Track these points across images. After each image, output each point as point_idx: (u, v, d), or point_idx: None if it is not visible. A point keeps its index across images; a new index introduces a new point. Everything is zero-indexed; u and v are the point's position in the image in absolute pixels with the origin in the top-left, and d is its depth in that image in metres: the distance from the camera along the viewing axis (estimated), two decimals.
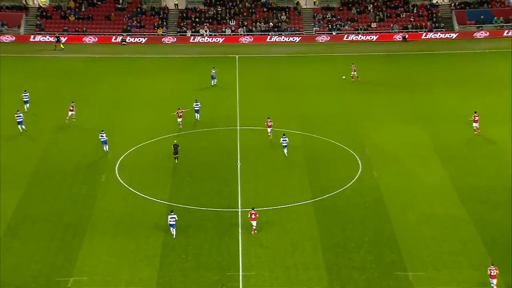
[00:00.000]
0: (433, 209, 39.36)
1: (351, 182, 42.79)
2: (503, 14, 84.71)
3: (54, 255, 34.87)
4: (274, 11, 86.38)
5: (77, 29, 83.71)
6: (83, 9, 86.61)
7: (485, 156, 46.56)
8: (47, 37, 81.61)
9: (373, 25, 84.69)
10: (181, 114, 51.57)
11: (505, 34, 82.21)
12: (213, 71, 63.19)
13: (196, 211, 39.35)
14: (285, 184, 42.61)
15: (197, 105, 53.86)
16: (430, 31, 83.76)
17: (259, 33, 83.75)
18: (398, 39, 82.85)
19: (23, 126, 50.65)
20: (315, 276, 33.07)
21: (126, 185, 42.60)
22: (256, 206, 39.60)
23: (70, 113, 53.21)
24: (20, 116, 51.34)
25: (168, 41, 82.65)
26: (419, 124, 52.74)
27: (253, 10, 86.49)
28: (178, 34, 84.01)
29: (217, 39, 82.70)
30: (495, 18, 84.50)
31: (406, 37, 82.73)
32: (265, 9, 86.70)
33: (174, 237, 36.25)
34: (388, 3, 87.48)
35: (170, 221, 36.46)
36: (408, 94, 60.88)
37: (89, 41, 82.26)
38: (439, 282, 32.60)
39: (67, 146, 48.89)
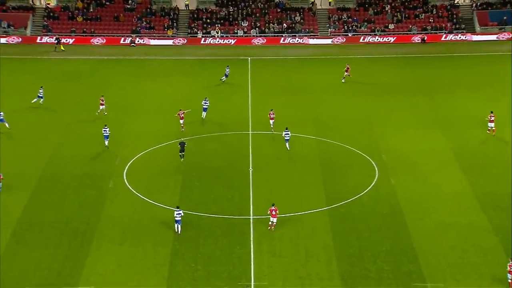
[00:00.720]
0: (452, 218, 39.20)
1: (367, 189, 42.73)
2: None
3: (61, 262, 35.09)
4: (288, 12, 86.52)
5: (85, 30, 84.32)
6: (91, 10, 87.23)
7: (507, 163, 46.29)
8: (54, 38, 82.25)
9: (391, 26, 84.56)
10: (182, 115, 51.88)
11: None
12: (227, 70, 64.18)
13: (206, 218, 39.45)
14: (299, 190, 42.62)
15: (205, 103, 54.39)
16: (450, 32, 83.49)
17: (272, 34, 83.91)
18: (416, 41, 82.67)
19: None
20: (329, 286, 33.03)
21: (134, 191, 42.81)
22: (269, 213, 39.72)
23: (101, 107, 55.32)
24: None
25: (178, 43, 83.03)
26: (438, 129, 52.58)
27: (266, 11, 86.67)
28: (189, 35, 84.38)
29: (229, 41, 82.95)
30: None
31: (425, 38, 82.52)
32: (278, 10, 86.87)
33: (178, 233, 36.82)
34: (406, 3, 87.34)
35: (176, 216, 37.23)
36: (427, 98, 60.73)
37: (97, 42, 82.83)
38: None
39: (74, 150, 49.21)
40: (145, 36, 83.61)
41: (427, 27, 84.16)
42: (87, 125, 54.22)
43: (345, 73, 64.37)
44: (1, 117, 52.33)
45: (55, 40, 79.96)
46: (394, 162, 46.58)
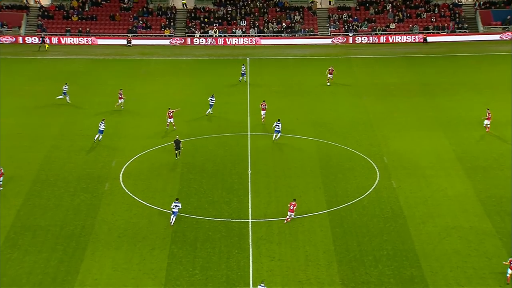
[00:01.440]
0: (455, 222, 39.18)
1: (368, 192, 42.70)
2: None
3: (55, 267, 35.02)
4: (287, 11, 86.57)
5: (80, 29, 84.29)
6: (87, 9, 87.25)
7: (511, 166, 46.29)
8: (47, 38, 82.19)
9: (392, 25, 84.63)
10: (171, 114, 52.28)
11: None
12: (243, 68, 64.94)
13: (204, 221, 39.40)
14: (299, 193, 42.58)
15: (212, 99, 55.77)
16: (453, 32, 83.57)
17: (272, 34, 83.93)
18: (418, 41, 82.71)
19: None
20: None
21: (131, 194, 42.75)
22: (268, 216, 39.72)
23: (120, 100, 57.27)
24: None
25: (175, 43, 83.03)
26: (441, 131, 52.58)
27: (265, 10, 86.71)
28: (186, 35, 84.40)
29: (227, 40, 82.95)
30: None
31: (427, 38, 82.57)
32: (277, 9, 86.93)
33: (171, 224, 38.09)
34: (408, 2, 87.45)
35: (173, 208, 38.43)
36: (429, 99, 60.74)
37: (92, 42, 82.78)
38: None
39: (68, 153, 49.14)
40: (141, 35, 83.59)
41: (429, 27, 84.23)
42: (82, 127, 54.16)
43: (329, 75, 64.04)
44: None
45: (39, 40, 79.95)
46: (396, 164, 46.56)
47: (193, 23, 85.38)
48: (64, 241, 37.34)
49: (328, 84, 63.94)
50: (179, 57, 77.40)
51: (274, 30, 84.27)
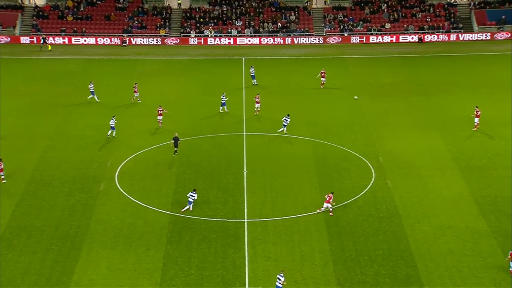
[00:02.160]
0: (451, 221, 39.25)
1: (364, 192, 42.75)
2: None
3: (50, 267, 34.94)
4: (283, 11, 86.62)
5: (75, 29, 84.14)
6: (82, 9, 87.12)
7: (506, 166, 46.39)
8: (41, 37, 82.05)
9: (387, 25, 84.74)
10: (161, 112, 53.02)
11: None
12: (252, 70, 64.63)
13: (200, 221, 39.38)
14: (294, 193, 42.59)
15: (223, 97, 56.41)
16: (448, 32, 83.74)
17: (267, 34, 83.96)
18: (413, 41, 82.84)
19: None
20: None
21: (126, 194, 42.69)
22: (263, 216, 39.71)
23: (135, 94, 59.01)
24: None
25: (171, 42, 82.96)
26: (436, 131, 52.68)
27: (261, 10, 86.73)
28: (182, 35, 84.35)
29: (222, 40, 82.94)
30: None
31: (422, 38, 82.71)
32: (273, 9, 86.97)
33: (190, 209, 39.80)
34: (403, 2, 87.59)
35: (189, 197, 40.02)
36: (424, 98, 60.85)
37: (88, 42, 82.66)
38: None
39: (64, 153, 49.05)
40: (137, 35, 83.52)
41: (424, 27, 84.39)
42: (77, 127, 54.08)
43: (322, 79, 64.00)
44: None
45: (41, 40, 79.84)
46: (391, 164, 46.62)
47: (188, 23, 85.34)
48: (59, 241, 37.26)
49: (322, 87, 63.84)
50: (174, 57, 77.34)
51: (270, 30, 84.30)
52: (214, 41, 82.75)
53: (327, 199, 39.91)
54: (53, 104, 59.50)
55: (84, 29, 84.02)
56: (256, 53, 78.17)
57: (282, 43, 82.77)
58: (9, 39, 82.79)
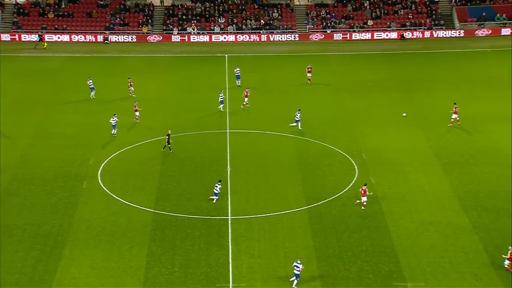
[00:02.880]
0: (433, 217, 39.54)
1: (347, 189, 42.92)
2: (505, 11, 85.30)
3: (33, 266, 34.72)
4: (266, 8, 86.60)
5: (56, 26, 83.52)
6: (63, 6, 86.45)
7: (487, 161, 46.83)
8: (24, 35, 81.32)
9: (370, 22, 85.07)
10: (136, 108, 53.32)
11: (503, 33, 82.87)
12: (237, 70, 63.63)
13: (184, 219, 39.33)
14: (278, 190, 42.67)
15: (221, 96, 56.35)
16: (430, 28, 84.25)
17: (250, 31, 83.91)
18: (395, 37, 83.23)
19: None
20: (309, 287, 33.11)
21: (109, 192, 42.51)
22: (247, 213, 39.75)
23: (131, 88, 59.49)
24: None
25: (153, 40, 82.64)
26: (418, 128, 53.00)
27: (243, 7, 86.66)
28: (164, 32, 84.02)
29: (205, 38, 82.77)
30: (498, 15, 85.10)
31: (404, 35, 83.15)
32: (256, 6, 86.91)
33: (214, 202, 40.38)
34: None
35: (215, 189, 40.57)
36: (407, 95, 61.18)
37: (69, 39, 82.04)
38: None
39: (45, 151, 48.72)
40: (119, 33, 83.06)
41: (406, 23, 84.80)
42: (59, 125, 53.72)
43: (308, 74, 64.24)
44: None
45: (37, 37, 79.15)
46: (374, 161, 46.85)
47: (171, 20, 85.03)
48: (41, 240, 37.03)
49: (309, 82, 64.04)
50: (157, 54, 77.04)
51: (253, 27, 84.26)
52: (197, 38, 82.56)
53: (362, 192, 40.16)
54: (34, 102, 59.02)
55: (65, 26, 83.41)
56: (239, 51, 78.10)
57: (265, 40, 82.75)
58: None
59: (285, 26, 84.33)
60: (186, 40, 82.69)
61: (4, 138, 50.89)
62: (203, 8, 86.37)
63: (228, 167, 46.01)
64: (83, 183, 43.67)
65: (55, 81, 65.51)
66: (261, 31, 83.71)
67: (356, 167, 45.81)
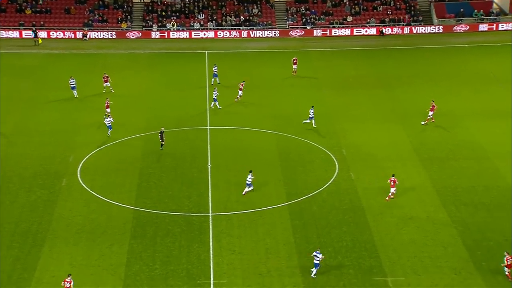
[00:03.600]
0: (413, 212, 39.85)
1: (327, 184, 43.09)
2: (483, 7, 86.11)
3: (11, 264, 34.44)
4: (245, 4, 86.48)
5: (34, 23, 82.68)
6: (41, 2, 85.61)
7: (466, 156, 47.29)
8: (1, 32, 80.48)
9: (349, 18, 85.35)
10: (108, 104, 52.92)
11: (480, 29, 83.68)
12: (215, 68, 62.96)
13: (164, 216, 39.23)
14: (259, 186, 42.71)
15: (215, 93, 56.04)
16: (408, 24, 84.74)
17: (230, 27, 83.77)
18: (375, 34, 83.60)
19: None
20: (290, 283, 33.24)
21: (89, 190, 42.27)
22: (228, 210, 39.76)
23: (105, 84, 59.24)
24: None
25: (133, 36, 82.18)
26: (398, 123, 53.34)
27: (223, 3, 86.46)
28: (144, 28, 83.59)
29: (185, 34, 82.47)
30: (475, 11, 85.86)
31: (383, 31, 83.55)
32: (235, 2, 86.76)
33: (243, 193, 40.83)
34: None
35: (247, 181, 41.11)
36: (386, 91, 61.52)
37: (47, 36, 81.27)
38: (419, 287, 33.04)
39: (24, 149, 48.29)
40: (97, 29, 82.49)
41: (385, 19, 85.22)
42: (38, 123, 53.27)
43: (294, 66, 64.77)
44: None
45: (32, 34, 78.31)
46: (354, 156, 47.08)
47: (150, 17, 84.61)
48: (20, 238, 36.73)
49: (294, 74, 64.37)
50: (136, 51, 76.63)
51: (232, 23, 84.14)
52: (177, 34, 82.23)
53: (392, 183, 40.65)
54: (13, 99, 58.43)
55: (42, 23, 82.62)
56: (219, 47, 77.96)
57: (245, 36, 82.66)
58: None
59: (265, 22, 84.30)
60: (166, 37, 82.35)
61: None
62: (182, 4, 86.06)
63: (209, 164, 45.97)
64: (62, 180, 43.38)
65: (34, 78, 64.91)
66: (241, 27, 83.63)
67: (336, 163, 46.00)
